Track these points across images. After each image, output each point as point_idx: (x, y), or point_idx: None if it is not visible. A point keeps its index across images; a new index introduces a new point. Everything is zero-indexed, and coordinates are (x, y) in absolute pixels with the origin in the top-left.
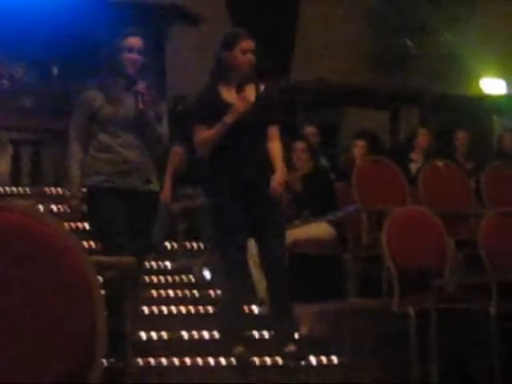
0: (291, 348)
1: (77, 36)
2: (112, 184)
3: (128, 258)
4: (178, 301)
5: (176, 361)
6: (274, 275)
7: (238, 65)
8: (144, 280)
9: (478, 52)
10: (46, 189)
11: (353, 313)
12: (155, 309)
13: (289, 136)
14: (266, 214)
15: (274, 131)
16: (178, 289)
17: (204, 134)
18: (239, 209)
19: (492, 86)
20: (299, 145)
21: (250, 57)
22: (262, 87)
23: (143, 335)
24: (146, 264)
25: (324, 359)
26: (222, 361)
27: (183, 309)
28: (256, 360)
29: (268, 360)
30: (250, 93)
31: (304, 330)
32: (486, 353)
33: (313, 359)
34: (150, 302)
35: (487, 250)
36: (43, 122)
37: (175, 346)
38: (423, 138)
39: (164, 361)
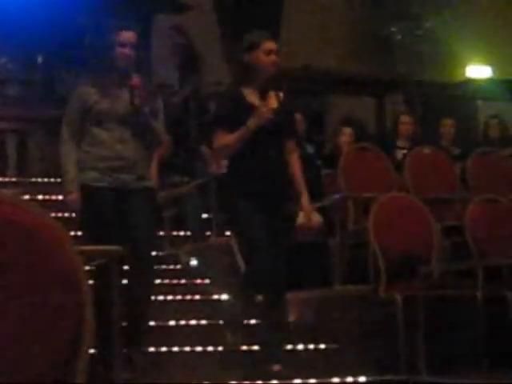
0: (277, 368)
1: (61, 24)
2: (104, 183)
3: (115, 247)
4: (164, 289)
5: (163, 348)
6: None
7: (262, 66)
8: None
9: (464, 38)
10: (33, 178)
11: (340, 299)
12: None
13: None
14: (279, 228)
15: (292, 144)
16: (165, 277)
17: (225, 139)
18: (261, 214)
19: (477, 72)
20: None
21: (274, 57)
22: (281, 94)
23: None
24: None
25: (311, 345)
26: (210, 348)
27: (170, 297)
28: (243, 347)
29: (255, 347)
30: (272, 99)
31: (292, 317)
32: (473, 337)
33: (300, 346)
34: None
35: (473, 235)
36: (28, 110)
37: (162, 334)
38: (405, 125)
39: (152, 349)
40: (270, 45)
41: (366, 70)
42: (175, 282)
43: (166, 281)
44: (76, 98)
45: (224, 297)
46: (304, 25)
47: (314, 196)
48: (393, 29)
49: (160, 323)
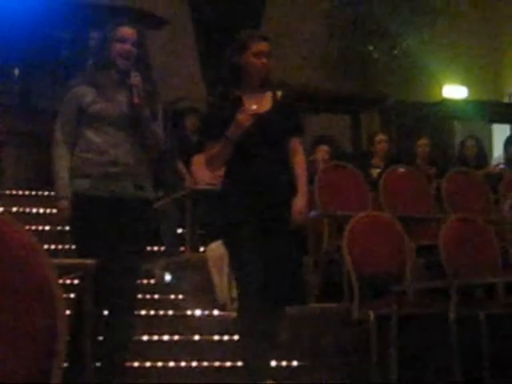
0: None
1: (39, 37)
2: (98, 192)
3: (90, 260)
4: (137, 304)
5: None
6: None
7: (252, 70)
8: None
9: (440, 58)
10: (7, 191)
11: (313, 317)
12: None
13: None
14: (281, 248)
15: (296, 144)
16: (139, 292)
17: (211, 152)
18: (255, 233)
19: (454, 92)
20: None
21: (264, 60)
22: (280, 94)
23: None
24: None
25: (284, 362)
26: (183, 364)
27: (143, 312)
28: (216, 363)
29: (228, 363)
30: (266, 101)
31: None
32: (446, 356)
33: (273, 362)
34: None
35: (447, 254)
36: (4, 123)
37: (135, 349)
38: (380, 144)
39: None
40: (261, 46)
41: (342, 88)
42: (149, 297)
43: (140, 296)
44: (71, 97)
45: (197, 312)
46: (281, 41)
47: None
48: (370, 47)
49: (133, 338)
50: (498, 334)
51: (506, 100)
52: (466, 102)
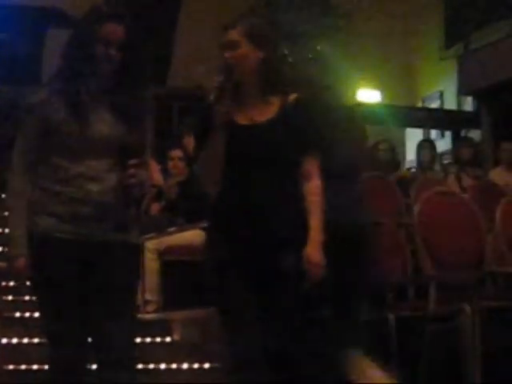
0: None
1: None
2: (65, 235)
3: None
4: None
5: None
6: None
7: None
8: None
9: (355, 62)
10: None
11: None
12: (28, 314)
13: (165, 143)
14: (286, 309)
15: (310, 166)
16: None
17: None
18: (245, 288)
19: (368, 96)
20: (176, 153)
21: (227, 54)
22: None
23: (14, 340)
24: None
25: (196, 365)
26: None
27: None
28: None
29: (140, 365)
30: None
31: (176, 336)
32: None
33: (185, 365)
34: (22, 307)
35: None
36: None
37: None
38: None
39: (35, 367)
40: (225, 37)
41: None
42: None
43: None
44: (34, 114)
45: None
46: (199, 44)
47: (202, 216)
48: (285, 51)
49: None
50: (407, 336)
51: (419, 105)
52: (379, 106)
